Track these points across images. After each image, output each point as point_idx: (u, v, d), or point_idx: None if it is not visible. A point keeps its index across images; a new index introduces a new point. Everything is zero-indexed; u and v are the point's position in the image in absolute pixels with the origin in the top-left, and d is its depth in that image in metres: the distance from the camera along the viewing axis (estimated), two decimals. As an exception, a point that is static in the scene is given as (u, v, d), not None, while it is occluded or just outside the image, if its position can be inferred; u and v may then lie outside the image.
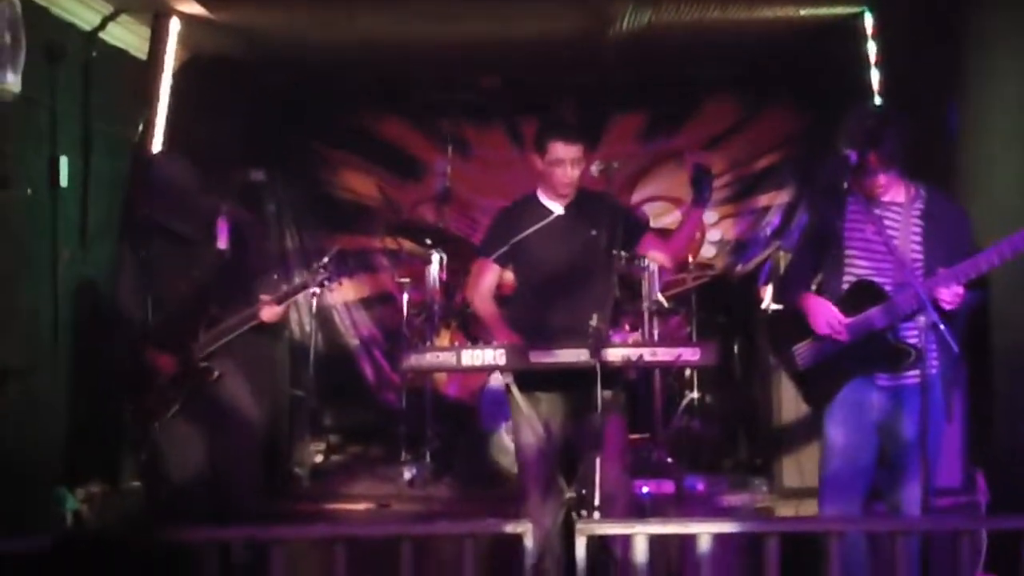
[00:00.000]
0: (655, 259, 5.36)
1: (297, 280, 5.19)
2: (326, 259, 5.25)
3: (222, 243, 5.15)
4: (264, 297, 5.08)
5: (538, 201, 5.08)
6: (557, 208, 5.03)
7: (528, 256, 5.04)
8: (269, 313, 5.05)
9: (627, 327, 6.56)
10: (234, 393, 5.16)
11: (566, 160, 4.90)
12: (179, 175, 5.13)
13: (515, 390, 4.83)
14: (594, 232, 4.91)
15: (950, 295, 4.30)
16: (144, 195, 5.12)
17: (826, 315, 4.52)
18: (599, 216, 4.93)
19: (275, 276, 5.23)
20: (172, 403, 5.06)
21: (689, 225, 5.15)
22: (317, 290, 5.30)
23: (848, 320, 4.51)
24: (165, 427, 5.09)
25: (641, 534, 3.68)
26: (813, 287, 4.76)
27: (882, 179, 4.46)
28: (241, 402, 5.19)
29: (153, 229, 5.23)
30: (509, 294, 5.33)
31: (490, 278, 5.15)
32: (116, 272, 5.32)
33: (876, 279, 4.49)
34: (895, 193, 4.54)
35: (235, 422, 5.17)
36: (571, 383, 4.63)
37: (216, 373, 5.09)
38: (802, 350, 4.68)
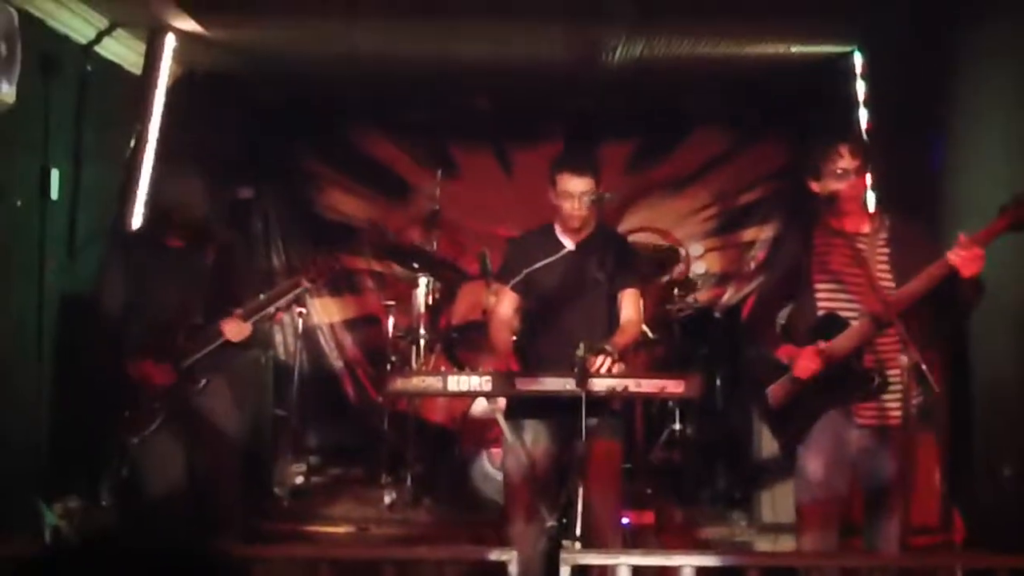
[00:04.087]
0: (620, 311, 5.06)
1: (261, 297, 5.11)
2: (293, 280, 5.21)
3: (209, 256, 5.13)
4: (236, 312, 5.01)
5: (553, 234, 5.04)
6: (568, 244, 4.99)
7: (535, 287, 5.00)
8: (232, 329, 4.97)
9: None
10: (217, 407, 5.12)
11: (575, 194, 4.86)
12: (188, 181, 5.11)
13: (500, 417, 4.84)
14: (599, 276, 4.87)
15: (969, 259, 4.18)
16: (152, 193, 5.08)
17: (804, 359, 4.53)
18: (609, 258, 4.89)
19: (259, 295, 5.16)
20: (156, 415, 4.99)
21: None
22: (285, 307, 5.26)
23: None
24: (145, 441, 5.03)
25: (624, 565, 3.69)
26: (780, 322, 4.78)
27: (855, 183, 4.44)
28: (224, 416, 5.15)
29: (142, 237, 5.21)
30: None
31: (509, 305, 5.10)
32: (100, 279, 5.27)
33: (845, 310, 4.48)
34: (860, 223, 4.56)
35: (217, 437, 5.12)
36: (558, 411, 4.63)
37: (203, 381, 5.03)
38: (774, 389, 4.68)
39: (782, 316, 4.80)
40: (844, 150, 4.44)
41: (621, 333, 4.94)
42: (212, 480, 5.12)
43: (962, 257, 4.20)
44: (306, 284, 5.16)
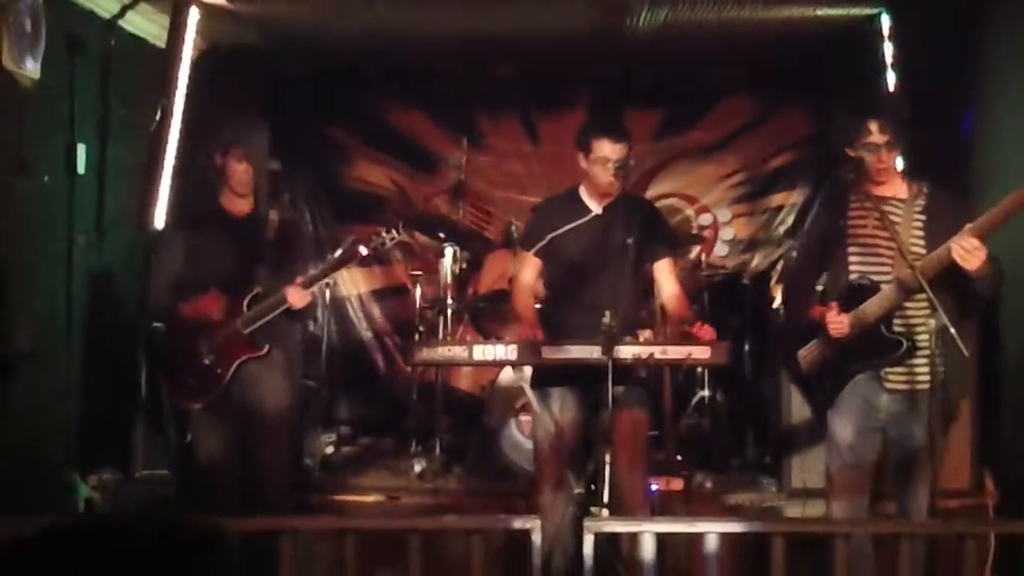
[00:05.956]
0: (659, 286, 5.15)
1: (322, 266, 5.17)
2: (340, 250, 5.25)
3: (272, 229, 5.20)
4: (297, 280, 5.05)
5: (578, 198, 5.03)
6: (595, 208, 4.98)
7: (560, 253, 5.00)
8: (296, 297, 5.00)
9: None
10: (271, 378, 5.16)
11: (611, 159, 4.83)
12: (253, 148, 5.18)
13: (526, 386, 4.85)
14: (629, 240, 4.84)
15: (967, 250, 4.18)
16: (222, 150, 5.13)
17: (835, 322, 4.52)
18: (637, 223, 4.87)
19: (310, 267, 5.22)
20: (217, 383, 5.04)
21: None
22: (332, 280, 5.31)
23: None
24: (203, 411, 5.09)
25: (648, 532, 3.70)
26: (819, 287, 4.77)
27: (885, 157, 4.45)
28: (276, 388, 5.18)
29: (204, 207, 5.24)
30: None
31: (531, 271, 5.10)
32: (162, 252, 5.33)
33: (878, 275, 4.49)
34: (897, 189, 4.55)
35: (270, 407, 5.16)
36: (584, 379, 4.63)
37: (266, 347, 5.07)
38: (805, 354, 4.68)
39: (821, 281, 4.79)
40: (873, 126, 4.45)
41: (670, 312, 5.01)
42: (263, 451, 5.17)
43: (964, 249, 4.19)
44: (365, 252, 5.18)
